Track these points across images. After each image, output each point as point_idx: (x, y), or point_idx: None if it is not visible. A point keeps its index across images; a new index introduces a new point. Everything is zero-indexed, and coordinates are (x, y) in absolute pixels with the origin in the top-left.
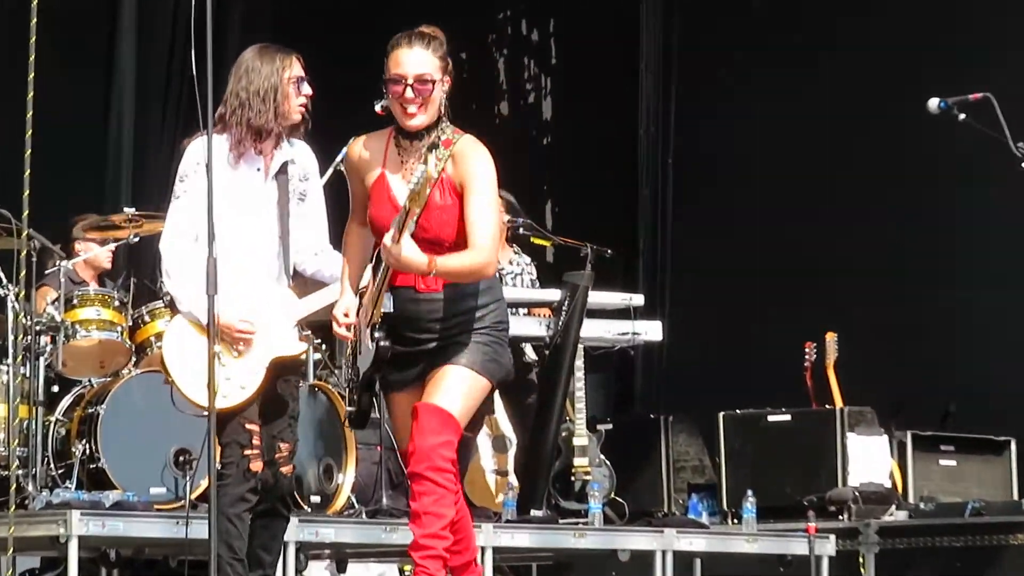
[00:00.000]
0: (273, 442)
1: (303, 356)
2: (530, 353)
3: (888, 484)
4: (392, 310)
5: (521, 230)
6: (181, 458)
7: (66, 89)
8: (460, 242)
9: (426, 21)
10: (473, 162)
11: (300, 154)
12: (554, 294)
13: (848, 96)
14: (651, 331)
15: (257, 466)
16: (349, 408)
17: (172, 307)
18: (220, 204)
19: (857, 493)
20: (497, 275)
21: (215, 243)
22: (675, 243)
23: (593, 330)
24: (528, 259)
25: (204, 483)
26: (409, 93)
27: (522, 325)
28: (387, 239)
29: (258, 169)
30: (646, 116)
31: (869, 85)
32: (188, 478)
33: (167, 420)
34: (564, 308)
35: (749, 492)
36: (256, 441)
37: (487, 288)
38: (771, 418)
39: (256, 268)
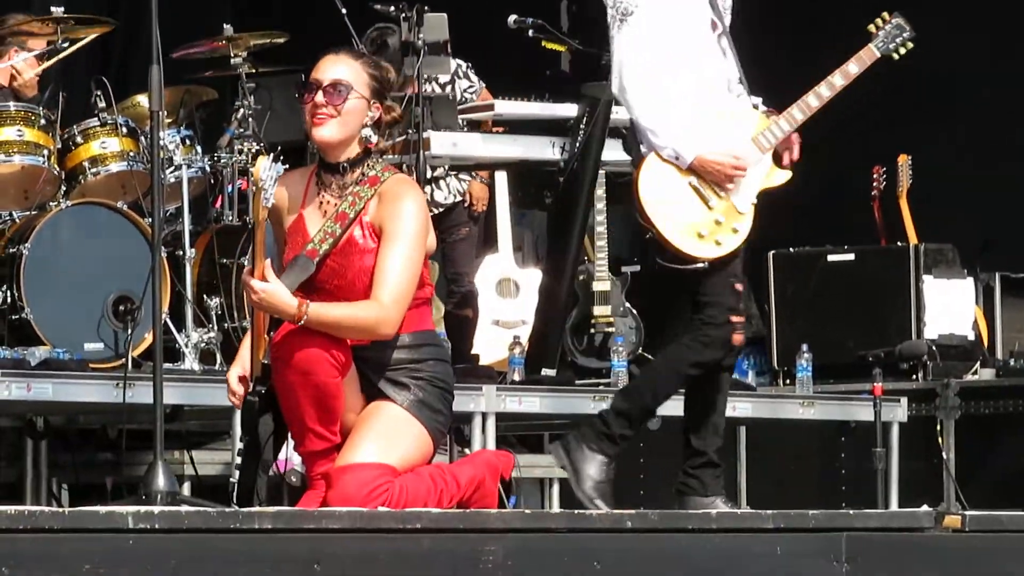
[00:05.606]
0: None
1: None
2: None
3: (972, 336)
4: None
5: (531, 32)
6: (122, 307)
7: None
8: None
9: None
10: (398, 204)
11: None
12: (570, 109)
13: None
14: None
15: (739, 339)
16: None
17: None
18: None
19: (934, 347)
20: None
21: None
22: None
23: (617, 152)
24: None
25: (148, 337)
26: (320, 97)
27: (530, 147)
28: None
29: None
30: None
31: None
32: (129, 331)
33: (104, 261)
34: (582, 127)
35: (804, 347)
36: (743, 307)
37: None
38: (831, 257)
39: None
